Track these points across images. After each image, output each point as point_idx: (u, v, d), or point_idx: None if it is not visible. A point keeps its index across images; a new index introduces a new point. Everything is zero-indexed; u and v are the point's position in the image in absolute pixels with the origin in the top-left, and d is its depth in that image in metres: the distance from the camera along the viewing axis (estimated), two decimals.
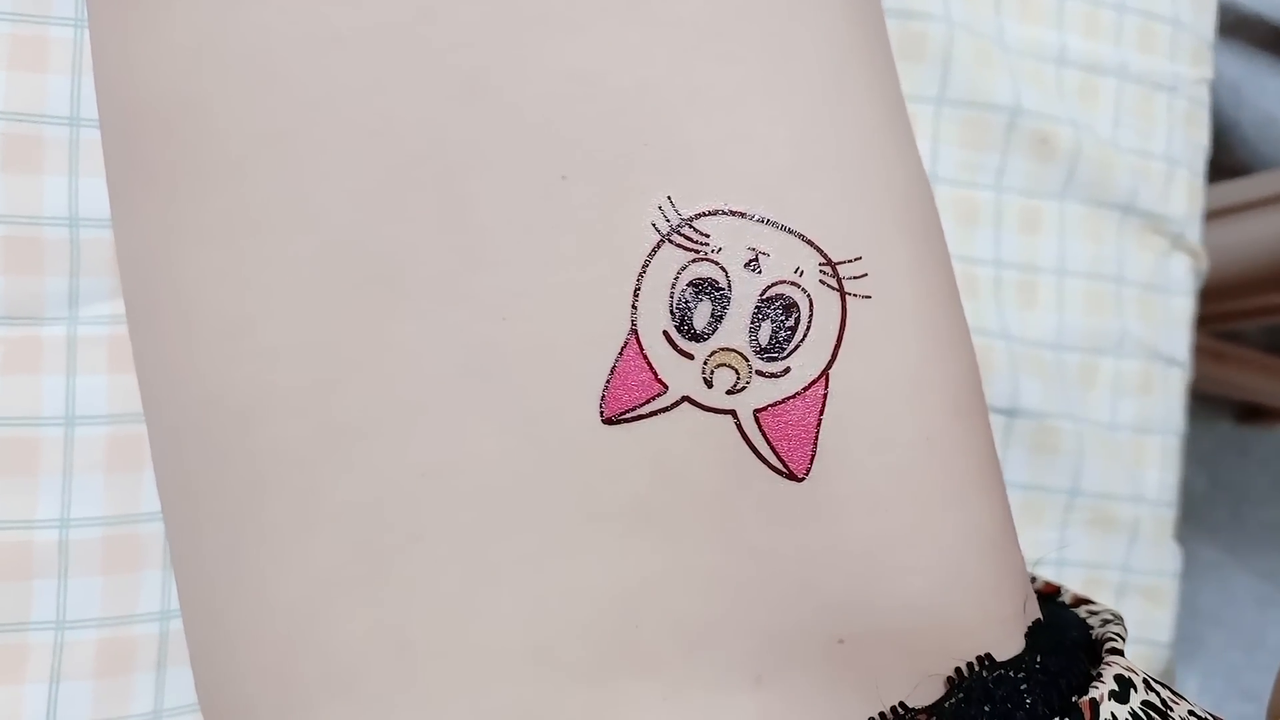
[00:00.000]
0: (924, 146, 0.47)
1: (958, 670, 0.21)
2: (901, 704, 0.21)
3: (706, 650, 0.21)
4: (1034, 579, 0.29)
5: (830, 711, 0.21)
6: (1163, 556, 0.50)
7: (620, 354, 0.20)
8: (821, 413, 0.20)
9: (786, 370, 0.20)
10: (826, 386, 0.20)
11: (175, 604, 0.36)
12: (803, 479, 0.20)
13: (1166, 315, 0.51)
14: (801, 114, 0.20)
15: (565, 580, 0.20)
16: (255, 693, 0.21)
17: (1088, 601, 0.28)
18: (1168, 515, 0.51)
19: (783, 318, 0.20)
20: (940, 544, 0.21)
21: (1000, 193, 0.48)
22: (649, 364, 0.20)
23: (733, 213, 0.20)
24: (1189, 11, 0.52)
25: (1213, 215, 0.54)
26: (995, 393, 0.46)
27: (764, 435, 0.20)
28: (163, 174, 0.20)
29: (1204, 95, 0.53)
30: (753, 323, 0.20)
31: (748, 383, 0.20)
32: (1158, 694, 0.21)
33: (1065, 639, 0.23)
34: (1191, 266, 0.52)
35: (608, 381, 0.20)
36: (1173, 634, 0.51)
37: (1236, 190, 0.76)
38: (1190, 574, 0.52)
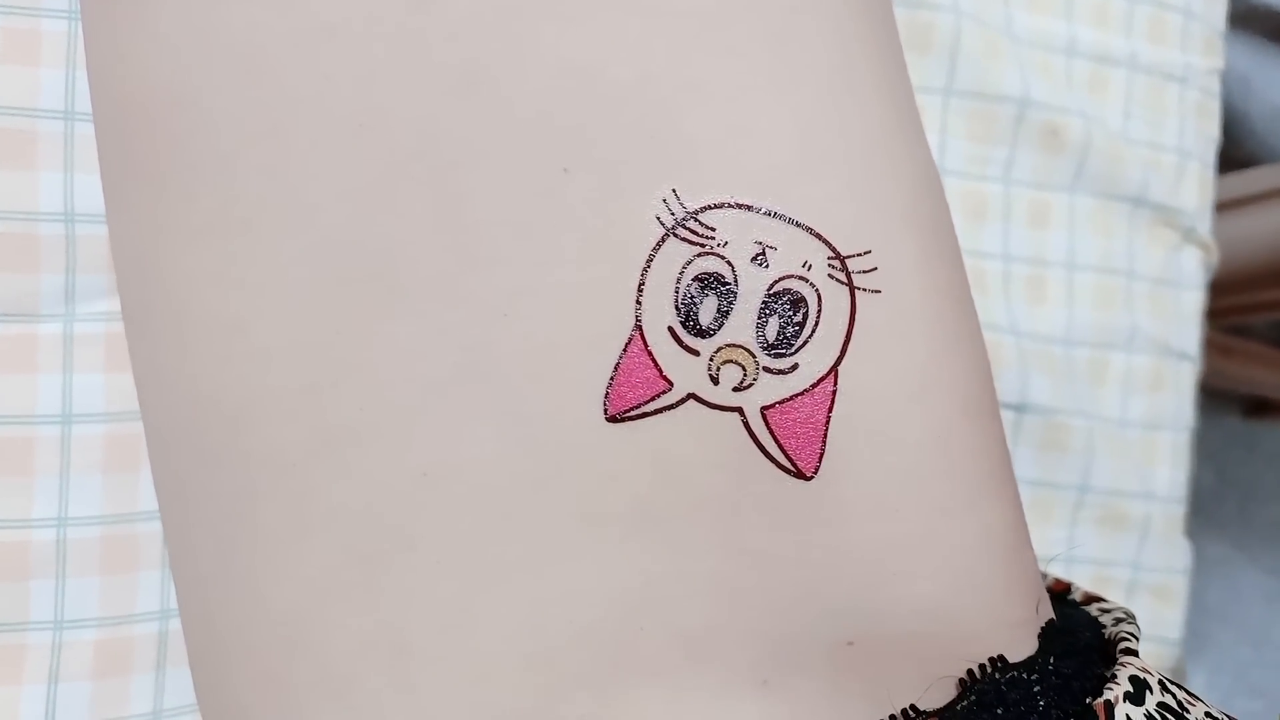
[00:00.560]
0: (931, 139, 0.46)
1: (970, 672, 0.21)
2: (912, 706, 0.20)
3: (711, 654, 0.20)
4: (1044, 576, 0.29)
5: (838, 715, 0.21)
6: (1173, 554, 0.50)
7: (624, 351, 0.19)
8: (830, 410, 0.20)
9: (794, 367, 0.20)
10: (835, 383, 0.20)
11: (174, 603, 0.36)
12: (811, 477, 0.20)
13: (1177, 310, 0.50)
14: (806, 107, 0.20)
15: (565, 584, 0.20)
16: (251, 697, 0.21)
17: (1099, 599, 0.27)
18: (1178, 512, 0.50)
19: (790, 313, 0.20)
20: (951, 549, 0.21)
21: (1009, 186, 0.48)
22: (654, 361, 0.19)
23: (739, 205, 0.19)
24: (1200, 1, 0.52)
25: (1220, 208, 0.53)
26: (1004, 389, 0.46)
27: (771, 433, 0.20)
28: (153, 170, 0.20)
29: (1215, 86, 0.52)
30: (760, 318, 0.20)
31: (755, 379, 0.20)
32: (1173, 695, 0.21)
33: (1078, 640, 0.23)
34: (1202, 260, 0.52)
35: (611, 379, 0.19)
36: (1182, 631, 0.50)
37: (1245, 182, 0.75)
38: (1198, 570, 0.52)
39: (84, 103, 0.34)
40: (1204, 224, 0.51)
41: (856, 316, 0.20)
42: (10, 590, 0.34)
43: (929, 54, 0.46)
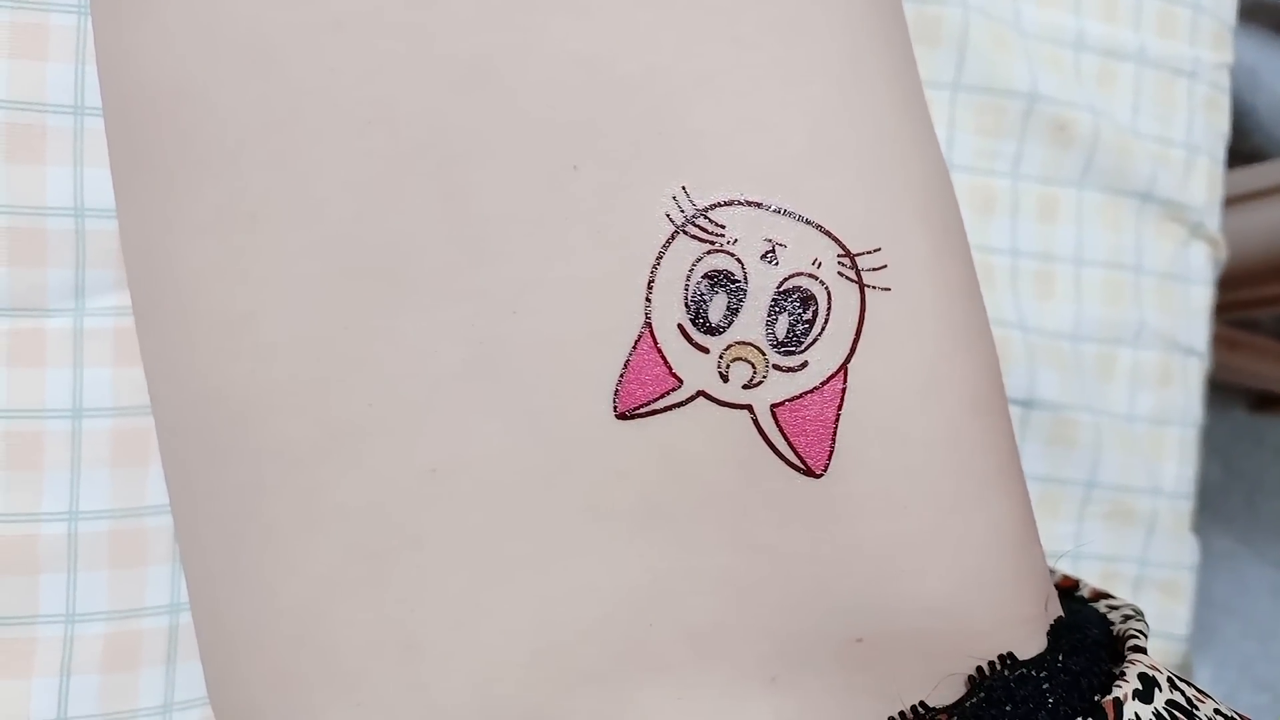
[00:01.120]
0: (939, 133, 0.46)
1: (979, 669, 0.21)
2: (921, 703, 0.20)
3: (719, 651, 0.20)
4: (1052, 572, 0.29)
5: (847, 712, 0.21)
6: (1180, 550, 0.50)
7: (633, 348, 0.19)
8: (840, 408, 0.20)
9: (804, 364, 0.20)
10: (845, 381, 0.20)
11: (184, 597, 0.36)
12: (821, 475, 0.20)
13: (1185, 305, 0.50)
14: (818, 100, 0.20)
15: (574, 580, 0.20)
16: (261, 692, 0.21)
17: (1107, 596, 0.27)
18: (1185, 508, 0.50)
19: (800, 310, 0.20)
20: (960, 546, 0.21)
21: (1017, 180, 0.47)
22: (663, 358, 0.19)
23: (749, 203, 0.19)
24: None
25: (1227, 202, 0.53)
26: (1012, 384, 0.45)
27: (781, 430, 0.20)
28: (161, 164, 0.20)
29: (1225, 80, 0.52)
30: (769, 315, 0.19)
31: (764, 377, 0.20)
32: (1182, 693, 0.21)
33: (1087, 637, 0.23)
34: (1211, 255, 0.51)
35: (621, 376, 0.19)
36: (1189, 627, 0.50)
37: (1252, 177, 0.75)
38: (1203, 564, 0.52)
39: (93, 97, 0.34)
40: (1213, 219, 0.51)
41: (866, 314, 0.20)
42: (21, 584, 0.34)
43: (937, 48, 0.46)
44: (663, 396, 0.19)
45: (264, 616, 0.20)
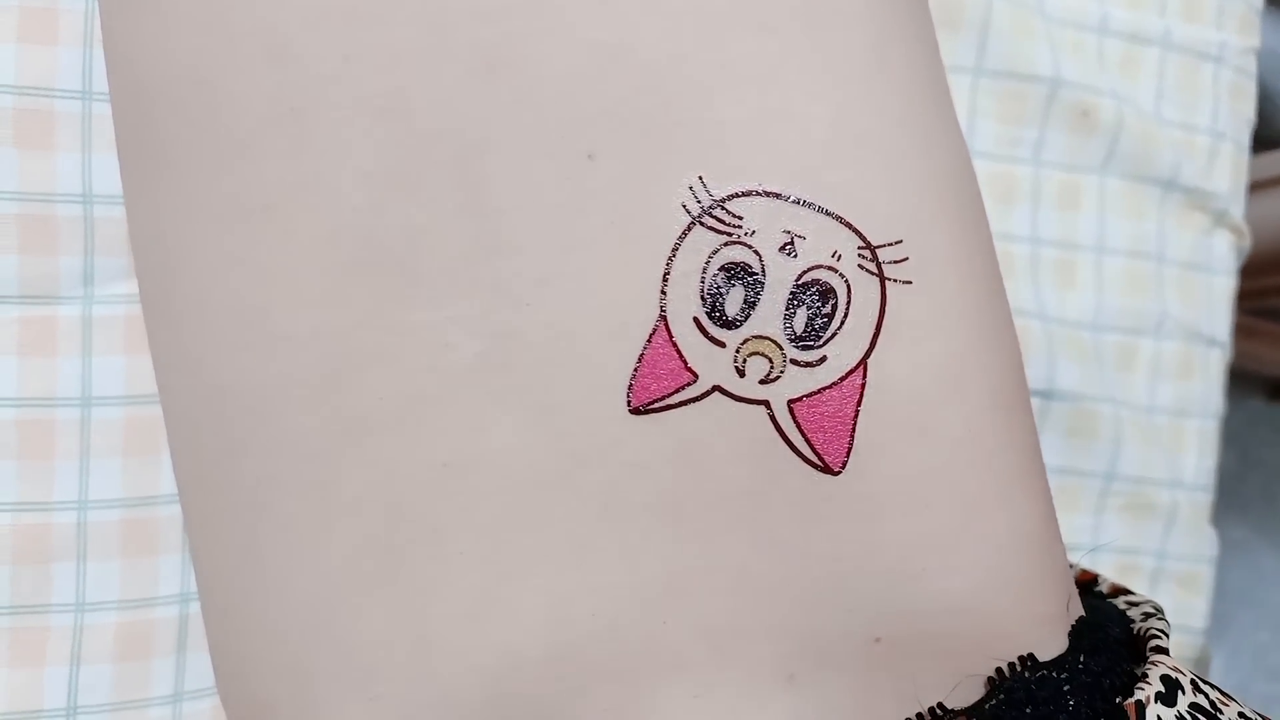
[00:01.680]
0: (960, 119, 0.45)
1: (999, 671, 0.20)
2: (940, 705, 0.20)
3: (736, 649, 0.20)
4: (1071, 567, 0.29)
5: (865, 712, 0.20)
6: (1199, 542, 0.49)
7: (648, 342, 0.19)
8: (859, 404, 0.19)
9: (823, 359, 0.19)
10: (864, 376, 0.19)
11: (194, 587, 0.36)
12: (838, 473, 0.20)
13: (1207, 295, 0.49)
14: (840, 89, 0.20)
15: (588, 576, 0.20)
16: (272, 686, 0.21)
17: (1126, 591, 0.27)
18: (1204, 500, 0.50)
19: (819, 304, 0.19)
20: (981, 545, 0.20)
21: (1039, 167, 0.47)
22: (679, 352, 0.19)
23: (767, 194, 0.19)
24: None
25: (1250, 188, 0.52)
26: (1032, 375, 0.45)
27: (798, 427, 0.19)
28: (173, 153, 0.20)
29: (1251, 65, 0.51)
30: (788, 309, 0.19)
31: (782, 372, 0.19)
32: (1206, 695, 0.21)
33: (1108, 636, 0.22)
34: (1234, 244, 0.51)
35: (635, 370, 0.19)
36: (1207, 620, 0.50)
37: (1276, 162, 0.74)
38: (1220, 553, 0.51)
39: (101, 82, 0.34)
40: (1237, 207, 0.50)
41: (887, 308, 0.19)
42: (32, 573, 0.34)
43: (959, 32, 0.45)
44: (677, 391, 0.19)
45: (278, 610, 0.20)
